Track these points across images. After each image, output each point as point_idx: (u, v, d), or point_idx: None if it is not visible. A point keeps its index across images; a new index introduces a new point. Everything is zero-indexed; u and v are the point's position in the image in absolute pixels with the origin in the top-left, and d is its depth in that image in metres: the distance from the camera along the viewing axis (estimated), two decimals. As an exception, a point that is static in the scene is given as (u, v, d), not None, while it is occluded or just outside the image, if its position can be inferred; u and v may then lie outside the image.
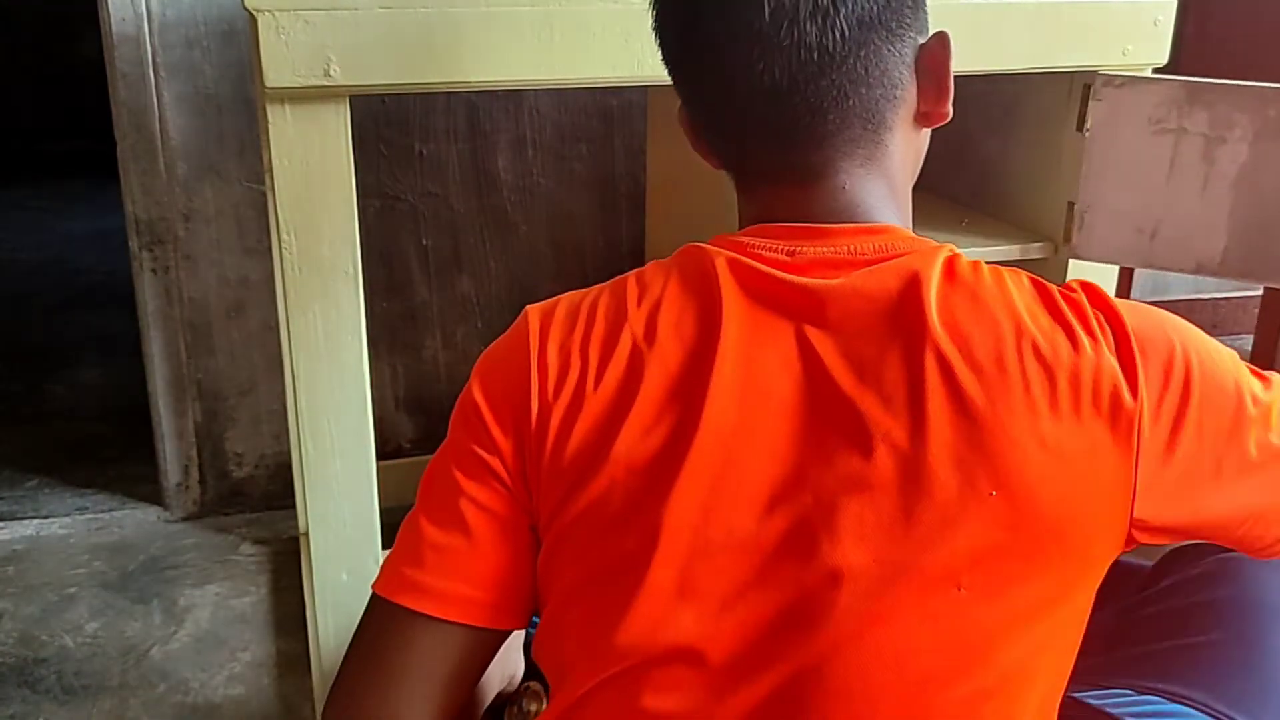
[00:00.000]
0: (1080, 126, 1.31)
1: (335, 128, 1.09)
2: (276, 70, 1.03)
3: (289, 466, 1.82)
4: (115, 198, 1.72)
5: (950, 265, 0.69)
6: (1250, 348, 2.05)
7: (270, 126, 1.07)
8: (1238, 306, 2.44)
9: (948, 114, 0.76)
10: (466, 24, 1.08)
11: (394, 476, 1.76)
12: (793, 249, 0.70)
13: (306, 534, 1.39)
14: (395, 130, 1.75)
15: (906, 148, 0.76)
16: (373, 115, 1.73)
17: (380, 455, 1.25)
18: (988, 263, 0.71)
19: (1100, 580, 0.69)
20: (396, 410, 1.90)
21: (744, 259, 0.70)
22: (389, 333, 1.84)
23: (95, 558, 1.73)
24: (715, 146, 0.78)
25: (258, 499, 1.87)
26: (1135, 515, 0.66)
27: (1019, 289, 0.69)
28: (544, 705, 0.87)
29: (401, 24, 1.06)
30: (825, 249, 0.70)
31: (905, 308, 0.67)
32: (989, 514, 0.63)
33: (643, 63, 1.12)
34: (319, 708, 1.33)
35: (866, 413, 0.65)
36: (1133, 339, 0.67)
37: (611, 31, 1.11)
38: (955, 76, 0.75)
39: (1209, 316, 2.42)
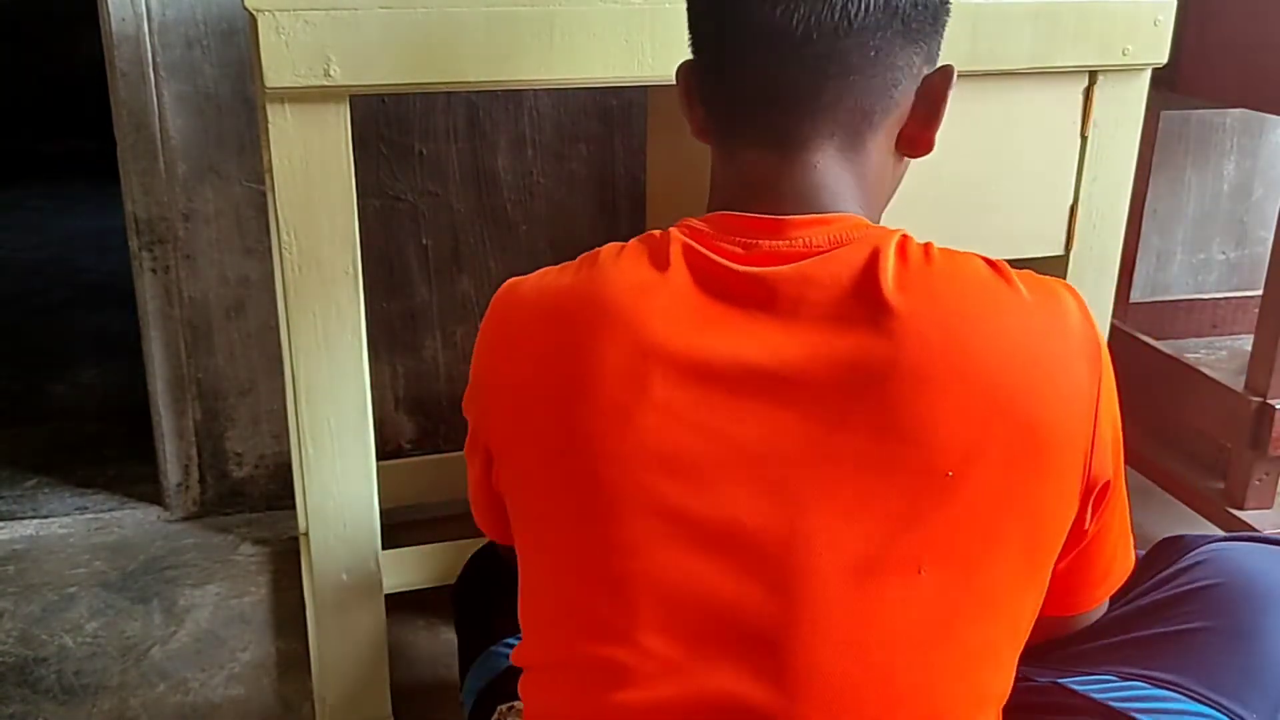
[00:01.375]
0: (1082, 127, 1.31)
1: (335, 128, 1.09)
2: (276, 70, 1.03)
3: (289, 466, 1.82)
4: (115, 198, 1.72)
5: (902, 247, 0.70)
6: (1250, 348, 2.04)
7: (270, 126, 1.07)
8: (1237, 306, 2.44)
9: (931, 143, 0.78)
10: (466, 24, 1.08)
11: (394, 476, 1.76)
12: (749, 242, 0.71)
13: (306, 534, 1.39)
14: (395, 130, 1.75)
15: (882, 160, 0.77)
16: (373, 115, 1.73)
17: (380, 455, 1.25)
18: None
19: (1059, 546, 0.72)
20: (396, 410, 1.90)
21: (700, 248, 0.71)
22: (389, 333, 1.84)
23: (95, 557, 1.73)
24: (710, 99, 0.78)
25: (258, 499, 1.87)
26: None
27: (972, 268, 0.70)
28: None
29: (401, 24, 1.06)
30: (780, 242, 0.71)
31: (860, 290, 0.68)
32: (947, 493, 0.65)
33: (643, 63, 1.12)
34: (319, 708, 1.33)
35: (817, 398, 0.67)
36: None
37: (611, 31, 1.11)
38: (957, 75, 0.76)
39: (1209, 316, 2.42)
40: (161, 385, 1.77)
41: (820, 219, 0.72)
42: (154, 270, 1.70)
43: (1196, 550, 0.90)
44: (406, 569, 1.51)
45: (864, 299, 0.67)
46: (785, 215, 0.72)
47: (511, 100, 1.78)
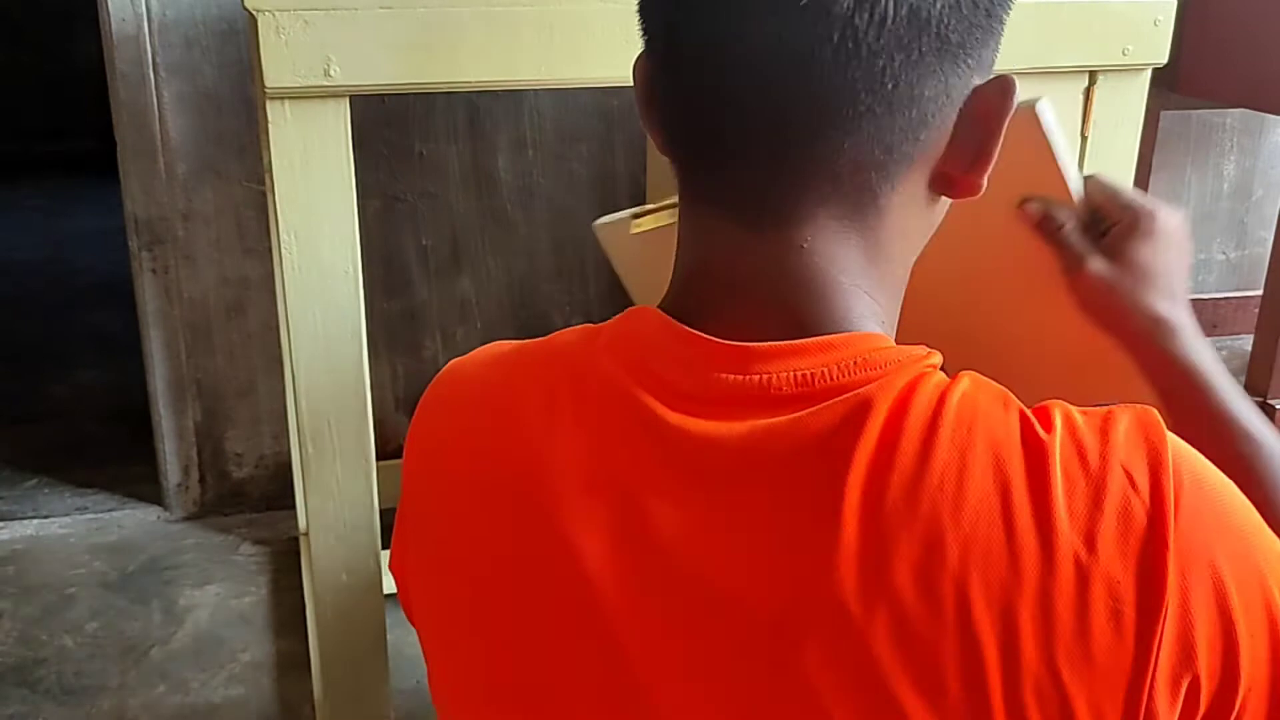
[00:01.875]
0: (1082, 126, 1.31)
1: (335, 128, 1.09)
2: (276, 70, 1.03)
3: (289, 466, 1.82)
4: (115, 198, 1.72)
5: (900, 411, 0.47)
6: (1250, 348, 2.05)
7: (270, 126, 1.07)
8: (1238, 306, 2.44)
9: (979, 186, 0.54)
10: (466, 24, 1.08)
11: (394, 476, 1.75)
12: (696, 372, 0.50)
13: (306, 534, 1.39)
14: (395, 130, 1.75)
15: (908, 215, 0.53)
16: (373, 115, 1.73)
17: (380, 455, 1.25)
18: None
19: None
20: (396, 410, 1.90)
21: (647, 399, 0.51)
22: (389, 333, 1.84)
23: (95, 558, 1.73)
24: (667, 123, 0.54)
25: (258, 499, 1.87)
26: None
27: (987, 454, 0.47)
28: None
29: (401, 24, 1.06)
30: (736, 377, 0.50)
31: (818, 497, 0.47)
32: None
33: (643, 63, 1.12)
34: (319, 708, 1.33)
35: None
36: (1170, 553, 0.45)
37: (611, 31, 1.11)
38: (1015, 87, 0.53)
39: (1209, 316, 2.42)
40: (161, 385, 1.77)
41: (799, 346, 0.50)
42: (154, 270, 1.70)
43: None
44: (406, 569, 1.51)
45: (819, 511, 0.46)
46: (749, 339, 0.50)
47: (511, 100, 1.78)
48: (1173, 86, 2.01)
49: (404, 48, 1.07)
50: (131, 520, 1.84)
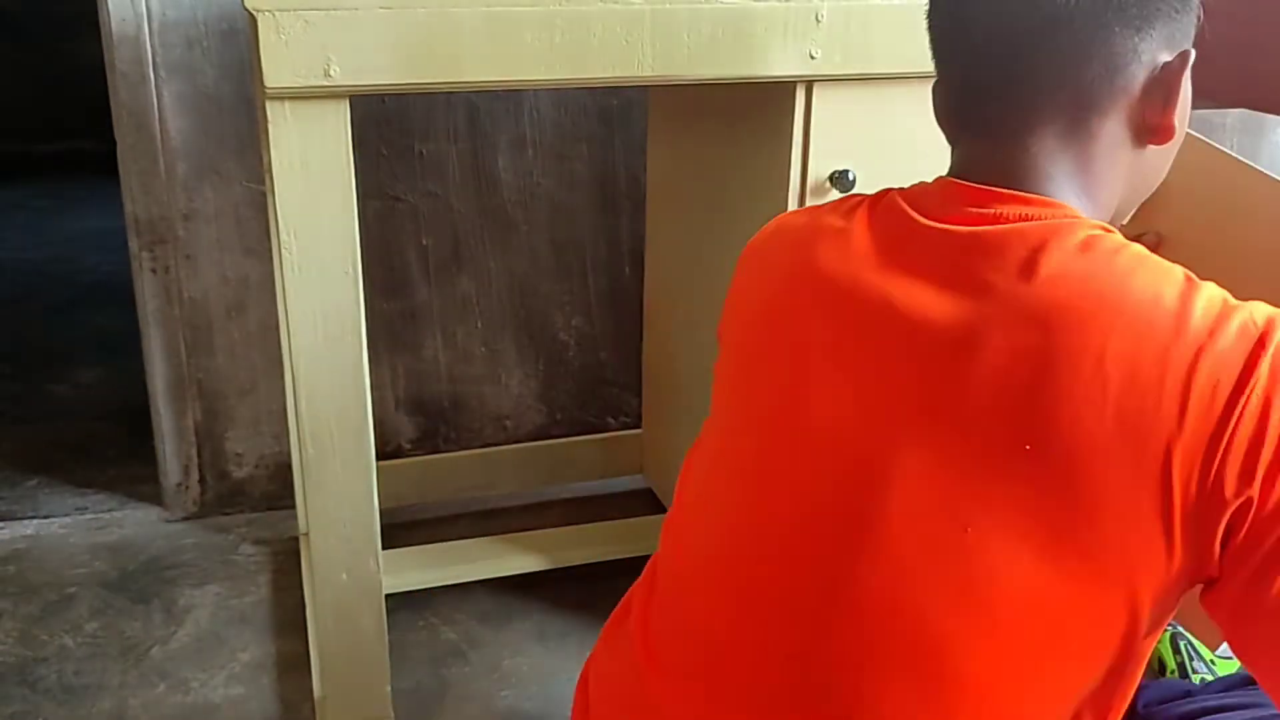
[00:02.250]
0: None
1: (335, 128, 1.09)
2: (276, 70, 1.03)
3: (289, 466, 1.82)
4: (115, 198, 1.72)
5: (1087, 245, 0.68)
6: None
7: (270, 126, 1.07)
8: (1238, 306, 2.44)
9: (1170, 130, 0.75)
10: (466, 24, 1.08)
11: (394, 476, 1.76)
12: (946, 201, 0.74)
13: (306, 534, 1.39)
14: (395, 130, 1.75)
15: (1113, 146, 0.75)
16: (373, 115, 1.73)
17: (380, 455, 1.25)
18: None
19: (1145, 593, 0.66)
20: (396, 410, 1.90)
21: (901, 203, 0.76)
22: (389, 333, 1.84)
23: (95, 557, 1.73)
24: (941, 99, 0.81)
25: (258, 499, 1.87)
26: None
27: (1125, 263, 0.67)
28: None
29: (401, 24, 1.06)
30: (976, 209, 0.72)
31: (1020, 269, 0.68)
32: (1020, 466, 0.65)
33: (643, 63, 1.12)
34: (319, 708, 1.34)
35: (931, 351, 0.69)
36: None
37: (611, 31, 1.11)
38: (1191, 58, 0.75)
39: (1209, 316, 2.41)
40: (161, 385, 1.77)
41: (1022, 196, 0.72)
42: (154, 270, 1.70)
43: None
44: (406, 569, 1.51)
45: (1013, 277, 0.68)
46: (995, 188, 0.73)
47: (511, 100, 1.78)
48: (1173, 86, 2.00)
49: (404, 48, 1.07)
50: (131, 520, 1.84)
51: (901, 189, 0.78)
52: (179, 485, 1.83)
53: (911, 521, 0.68)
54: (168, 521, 1.84)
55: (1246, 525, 0.62)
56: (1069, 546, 0.65)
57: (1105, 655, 0.68)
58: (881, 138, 1.23)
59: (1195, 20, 0.76)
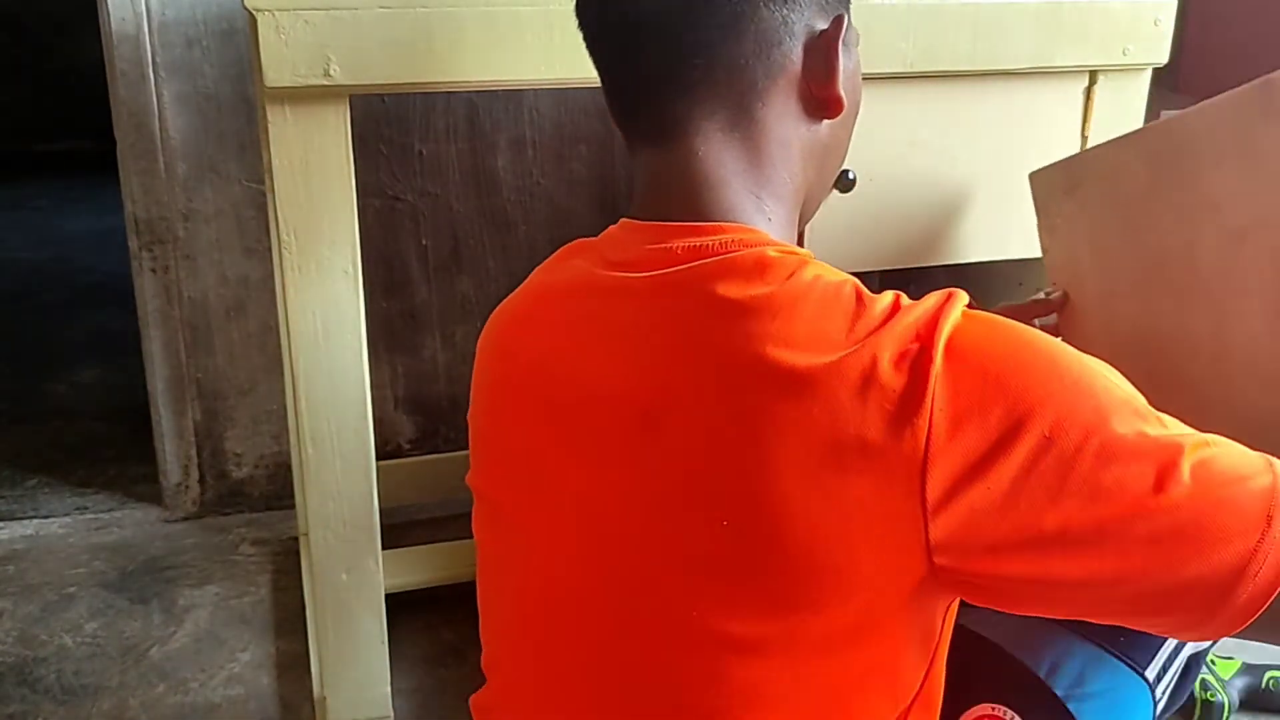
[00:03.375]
0: (1082, 126, 1.31)
1: (335, 128, 1.09)
2: (276, 70, 1.03)
3: (289, 466, 1.82)
4: (115, 198, 1.72)
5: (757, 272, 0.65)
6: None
7: (270, 126, 1.07)
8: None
9: (838, 101, 0.72)
10: (466, 24, 1.08)
11: (394, 476, 1.76)
12: (627, 244, 0.72)
13: (306, 534, 1.39)
14: (395, 130, 1.75)
15: (785, 127, 0.71)
16: (373, 115, 1.73)
17: (380, 455, 1.25)
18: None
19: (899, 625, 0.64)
20: (396, 410, 1.90)
21: (595, 270, 0.73)
22: (389, 333, 1.84)
23: (95, 557, 1.73)
24: (608, 106, 0.77)
25: (258, 499, 1.87)
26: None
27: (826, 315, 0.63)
28: None
29: (401, 24, 1.06)
30: (652, 245, 0.69)
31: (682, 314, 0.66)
32: (722, 539, 0.62)
33: (643, 63, 1.12)
34: (319, 708, 1.33)
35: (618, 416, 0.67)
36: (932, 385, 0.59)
37: (612, 31, 1.11)
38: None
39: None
40: (161, 385, 1.77)
41: (691, 227, 0.69)
42: (154, 270, 1.70)
43: None
44: (406, 569, 1.51)
45: (691, 331, 0.65)
46: (669, 219, 0.70)
47: (511, 100, 1.78)
48: (1173, 86, 2.01)
49: (404, 48, 1.06)
50: (131, 520, 1.84)
51: (591, 239, 0.76)
52: (179, 485, 1.83)
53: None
54: (167, 521, 1.84)
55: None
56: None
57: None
58: (881, 137, 1.23)
59: None
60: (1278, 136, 0.89)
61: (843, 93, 0.71)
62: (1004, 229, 1.34)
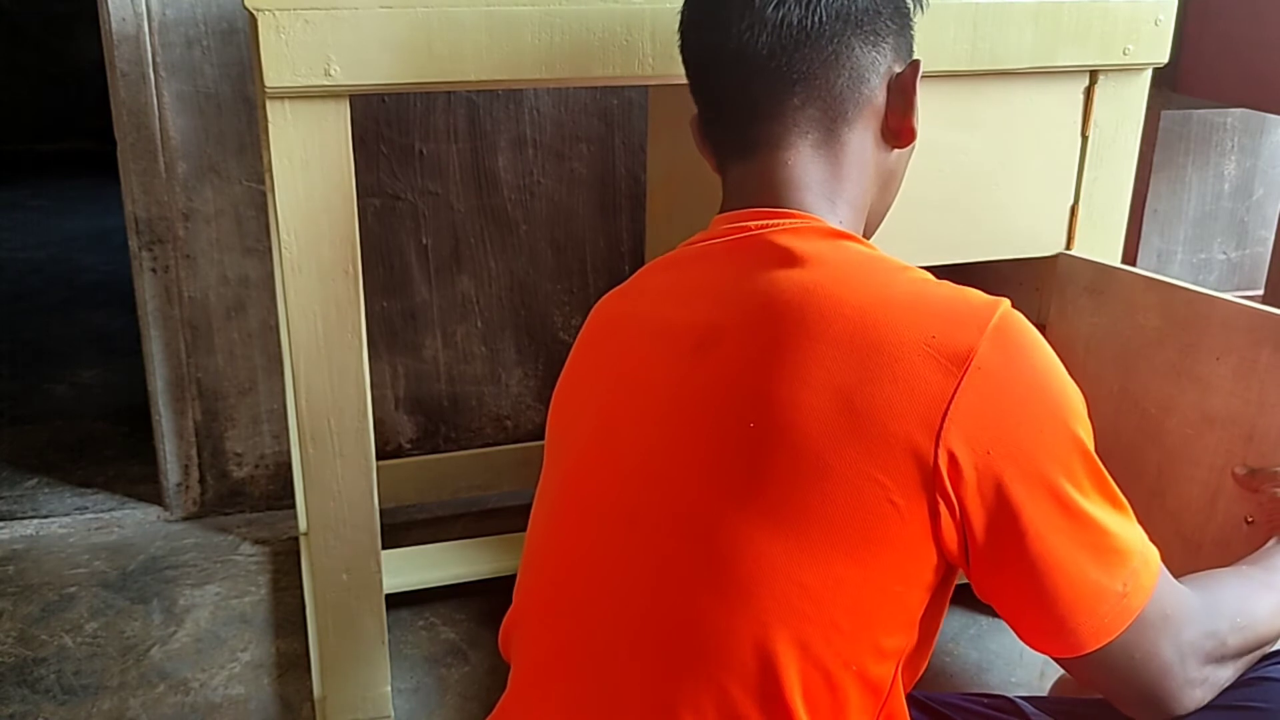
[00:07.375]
0: (1083, 126, 1.31)
1: (335, 128, 1.09)
2: (276, 70, 1.03)
3: (289, 466, 1.82)
4: (115, 198, 1.72)
5: (780, 237, 0.77)
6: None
7: (270, 126, 1.07)
8: (1238, 306, 2.44)
9: (911, 132, 0.85)
10: (466, 24, 1.08)
11: (394, 476, 1.76)
12: (712, 228, 0.82)
13: (306, 534, 1.39)
14: (395, 130, 1.75)
15: (862, 150, 0.83)
16: (373, 115, 1.73)
17: (380, 455, 1.25)
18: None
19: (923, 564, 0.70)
20: (396, 410, 1.90)
21: (682, 247, 0.84)
22: (389, 333, 1.84)
23: (95, 557, 1.73)
24: (705, 127, 0.88)
25: (258, 499, 1.87)
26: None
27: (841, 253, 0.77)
28: None
29: (401, 24, 1.06)
30: (730, 225, 0.80)
31: (741, 276, 0.77)
32: (745, 440, 0.70)
33: (643, 63, 1.12)
34: (319, 708, 1.33)
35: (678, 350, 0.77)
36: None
37: (611, 31, 1.11)
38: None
39: (1209, 316, 2.41)
40: (161, 385, 1.77)
41: (768, 211, 0.80)
42: (154, 270, 1.70)
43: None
44: (406, 569, 1.51)
45: (749, 276, 0.76)
46: (750, 208, 0.81)
47: (511, 100, 1.78)
48: (1173, 86, 2.01)
49: (404, 48, 1.07)
50: (131, 520, 1.84)
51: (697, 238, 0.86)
52: (179, 485, 1.83)
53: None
54: (167, 521, 1.84)
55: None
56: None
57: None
58: (882, 137, 1.23)
59: (913, 36, 0.87)
60: (1278, 366, 1.04)
61: (915, 124, 0.85)
62: (1004, 229, 1.34)
